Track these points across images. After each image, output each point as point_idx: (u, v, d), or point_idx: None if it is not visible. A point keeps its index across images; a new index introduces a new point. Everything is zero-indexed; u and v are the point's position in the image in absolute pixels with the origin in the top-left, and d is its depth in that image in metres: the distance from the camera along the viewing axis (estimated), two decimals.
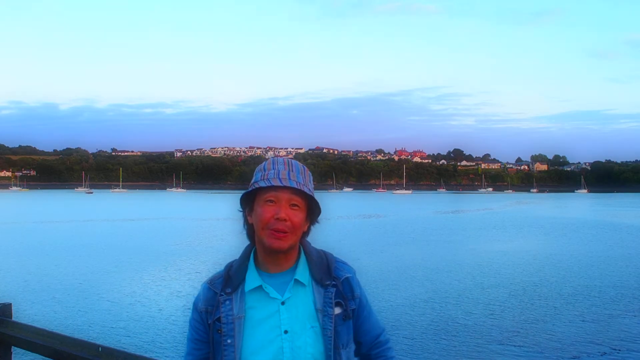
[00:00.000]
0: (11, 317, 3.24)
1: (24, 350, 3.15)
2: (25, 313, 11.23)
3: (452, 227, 37.02)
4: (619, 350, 9.73)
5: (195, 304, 1.67)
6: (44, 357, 2.96)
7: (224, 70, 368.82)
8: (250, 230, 1.68)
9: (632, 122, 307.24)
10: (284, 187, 1.58)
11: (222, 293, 1.62)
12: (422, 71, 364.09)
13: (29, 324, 3.23)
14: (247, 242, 1.72)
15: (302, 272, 1.64)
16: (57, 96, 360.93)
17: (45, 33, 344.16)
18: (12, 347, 3.23)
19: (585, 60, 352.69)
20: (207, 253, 22.34)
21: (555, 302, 13.47)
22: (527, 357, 9.33)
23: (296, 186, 1.58)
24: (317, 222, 1.70)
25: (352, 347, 1.67)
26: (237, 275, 1.64)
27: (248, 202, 1.67)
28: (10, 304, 3.29)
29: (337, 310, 1.61)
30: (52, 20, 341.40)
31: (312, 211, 1.66)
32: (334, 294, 1.61)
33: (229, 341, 1.57)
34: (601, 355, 9.49)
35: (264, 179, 1.60)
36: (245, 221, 1.69)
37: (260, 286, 1.61)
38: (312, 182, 1.68)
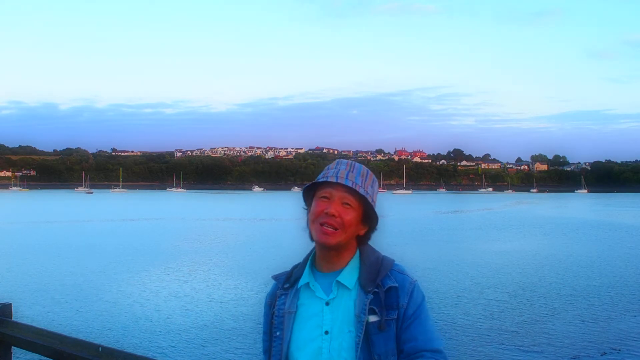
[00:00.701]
0: (11, 317, 3.24)
1: (24, 350, 3.15)
2: (25, 313, 11.23)
3: (452, 227, 37.04)
4: (619, 350, 9.74)
5: (265, 298, 1.78)
6: (44, 357, 2.96)
7: (224, 70, 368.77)
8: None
9: (631, 122, 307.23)
10: (338, 184, 1.62)
11: (281, 288, 1.70)
12: (422, 71, 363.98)
13: (29, 324, 3.23)
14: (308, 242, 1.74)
15: (349, 275, 1.63)
16: (56, 96, 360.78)
17: (44, 33, 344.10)
18: (12, 347, 3.23)
19: (584, 60, 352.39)
20: (207, 253, 22.35)
21: (555, 302, 13.47)
22: (527, 357, 9.34)
23: (350, 185, 1.62)
24: (376, 229, 1.71)
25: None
26: (297, 273, 1.71)
27: (309, 200, 1.71)
28: (10, 304, 3.29)
29: (373, 319, 1.57)
30: (52, 20, 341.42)
31: (369, 216, 1.67)
32: (369, 301, 1.58)
33: (277, 333, 1.65)
34: (601, 355, 9.49)
35: (324, 177, 1.66)
36: (308, 219, 1.71)
37: (308, 283, 1.66)
38: (374, 187, 1.70)
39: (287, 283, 1.70)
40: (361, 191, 1.62)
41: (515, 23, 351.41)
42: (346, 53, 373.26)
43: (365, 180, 1.66)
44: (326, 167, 1.71)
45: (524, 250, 23.95)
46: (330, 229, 1.60)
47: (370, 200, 1.65)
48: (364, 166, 1.70)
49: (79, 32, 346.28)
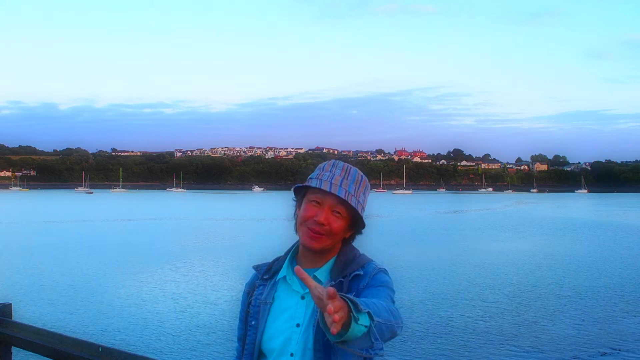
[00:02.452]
0: (11, 317, 3.24)
1: (24, 350, 3.15)
2: (25, 313, 11.23)
3: (452, 227, 37.03)
4: (619, 350, 9.74)
5: (244, 286, 1.81)
6: (44, 357, 2.96)
7: (223, 70, 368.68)
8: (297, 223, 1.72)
9: (631, 122, 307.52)
10: (331, 193, 1.60)
11: (260, 279, 1.74)
12: (422, 71, 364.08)
13: (29, 324, 3.23)
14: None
15: (325, 270, 1.67)
16: (56, 96, 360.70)
17: (44, 33, 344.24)
18: (12, 347, 3.23)
19: (584, 60, 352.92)
20: (208, 253, 22.35)
21: (555, 302, 13.47)
22: (527, 358, 9.33)
23: (343, 196, 1.60)
24: (361, 233, 1.73)
25: None
26: (277, 265, 1.73)
27: (300, 195, 1.71)
28: (10, 304, 3.29)
29: None
30: (51, 20, 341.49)
31: (356, 222, 1.68)
32: (329, 286, 1.62)
33: (252, 323, 1.69)
34: (601, 355, 9.49)
35: (318, 179, 1.63)
36: (296, 212, 1.73)
37: (286, 277, 1.68)
38: (367, 193, 1.70)
39: (266, 274, 1.73)
40: (353, 202, 1.62)
41: (515, 23, 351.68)
42: (346, 53, 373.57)
43: (359, 188, 1.65)
44: (319, 167, 1.69)
45: (523, 250, 23.94)
46: (317, 235, 1.62)
47: (360, 209, 1.65)
48: (358, 171, 1.68)
49: (78, 32, 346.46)
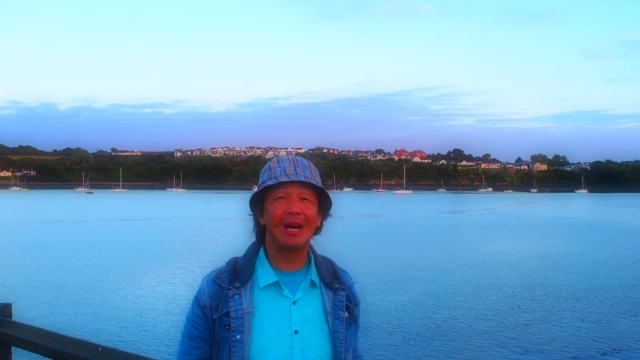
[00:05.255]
0: (11, 317, 3.24)
1: (24, 350, 3.15)
2: (25, 313, 11.22)
3: (452, 227, 37.01)
4: (619, 350, 9.73)
5: (197, 299, 1.61)
6: (44, 357, 2.96)
7: (223, 70, 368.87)
8: (261, 232, 1.65)
9: (631, 122, 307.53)
10: (293, 182, 1.57)
11: (231, 287, 1.57)
12: (421, 71, 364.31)
13: (29, 324, 3.23)
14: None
15: (314, 274, 1.63)
16: (55, 96, 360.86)
17: (43, 33, 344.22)
18: (12, 347, 3.23)
19: (583, 60, 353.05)
20: (208, 253, 22.34)
21: (555, 302, 13.47)
22: (528, 358, 9.33)
23: (304, 179, 1.58)
24: (330, 215, 1.70)
25: (352, 352, 1.68)
26: (246, 271, 1.60)
27: (258, 204, 1.65)
28: (10, 304, 3.29)
29: (346, 314, 1.62)
30: (51, 20, 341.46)
31: (323, 205, 1.66)
32: (344, 298, 1.62)
33: (238, 337, 1.52)
34: (601, 355, 9.49)
35: (270, 178, 1.59)
36: (256, 224, 1.66)
37: (276, 282, 1.58)
38: (319, 176, 1.68)
39: (236, 282, 1.58)
40: (315, 182, 1.60)
41: (514, 23, 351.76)
42: (345, 53, 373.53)
43: (312, 172, 1.63)
44: (266, 169, 1.64)
45: (523, 250, 23.94)
46: (296, 230, 1.56)
47: (324, 189, 1.63)
48: (304, 158, 1.66)
49: (77, 32, 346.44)
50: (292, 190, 1.58)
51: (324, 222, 1.69)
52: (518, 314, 12.29)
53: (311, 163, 1.67)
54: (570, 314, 12.32)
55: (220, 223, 39.66)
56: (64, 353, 2.78)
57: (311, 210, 1.59)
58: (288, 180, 1.56)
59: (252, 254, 1.64)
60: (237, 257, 1.66)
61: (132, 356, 2.67)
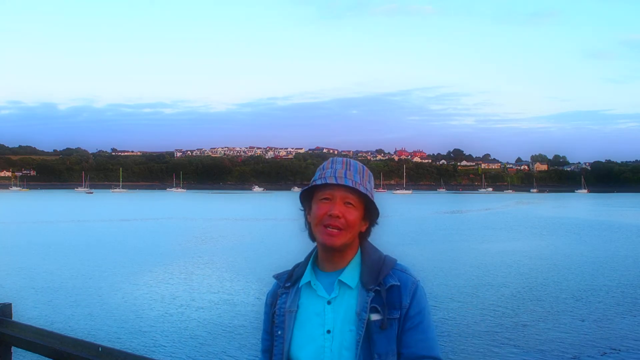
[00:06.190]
0: (11, 317, 3.24)
1: (24, 350, 3.15)
2: (25, 313, 11.22)
3: (451, 228, 37.02)
4: (619, 350, 9.73)
5: (266, 297, 1.78)
6: (44, 357, 2.96)
7: (222, 71, 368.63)
8: (311, 230, 1.69)
9: (630, 122, 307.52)
10: (339, 185, 1.60)
11: (282, 287, 1.70)
12: (421, 71, 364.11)
13: (29, 324, 3.23)
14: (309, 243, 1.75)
15: (351, 274, 1.63)
16: (55, 96, 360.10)
17: (42, 33, 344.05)
18: (12, 347, 3.23)
19: (583, 60, 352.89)
20: (207, 253, 22.34)
21: (555, 302, 13.46)
22: (527, 358, 9.33)
23: (351, 184, 1.60)
24: (377, 223, 1.71)
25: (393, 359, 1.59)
26: (298, 272, 1.70)
27: (307, 201, 1.70)
28: (10, 304, 3.29)
29: (375, 317, 1.55)
30: (50, 20, 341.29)
31: (370, 211, 1.67)
32: (371, 299, 1.57)
33: (279, 332, 1.64)
34: (601, 355, 9.49)
35: (321, 178, 1.63)
36: (306, 220, 1.71)
37: (309, 282, 1.65)
38: (372, 182, 1.69)
39: (288, 282, 1.69)
40: (362, 189, 1.61)
41: (514, 23, 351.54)
42: (345, 53, 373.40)
43: (363, 177, 1.65)
44: (319, 168, 1.69)
45: (523, 250, 23.94)
46: (335, 230, 1.59)
47: (370, 196, 1.64)
48: (359, 162, 1.69)
49: (77, 32, 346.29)
50: (337, 193, 1.61)
51: (372, 228, 1.71)
52: (517, 314, 12.29)
53: (365, 168, 1.69)
54: (570, 314, 12.31)
55: (220, 223, 39.65)
56: (64, 353, 2.78)
57: (353, 215, 1.61)
58: (335, 183, 1.59)
59: (309, 255, 1.72)
60: (301, 262, 1.75)
61: (131, 356, 2.67)
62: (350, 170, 1.64)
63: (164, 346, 9.82)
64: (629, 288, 15.26)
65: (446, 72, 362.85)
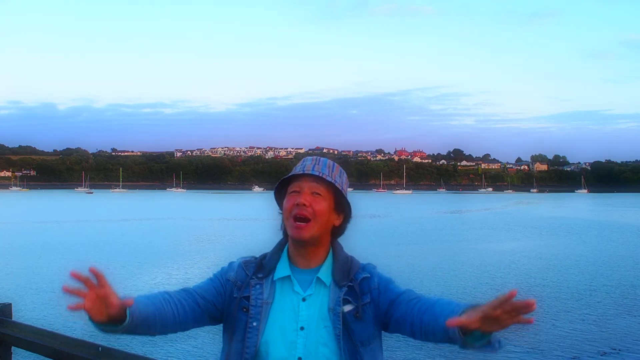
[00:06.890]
0: (11, 317, 3.24)
1: (24, 350, 3.15)
2: (25, 313, 11.22)
3: (452, 228, 37.00)
4: (619, 350, 9.73)
5: (223, 271, 1.71)
6: (44, 357, 2.96)
7: (222, 70, 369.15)
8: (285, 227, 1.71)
9: (630, 122, 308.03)
10: (305, 175, 1.63)
11: (254, 277, 1.65)
12: (421, 71, 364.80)
13: (29, 324, 3.23)
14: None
15: (326, 272, 1.65)
16: (55, 96, 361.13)
17: (42, 33, 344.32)
18: (12, 347, 3.23)
19: (583, 60, 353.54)
20: (207, 253, 22.34)
21: (555, 302, 13.46)
22: (527, 358, 9.33)
23: (317, 174, 1.62)
24: (351, 218, 1.72)
25: (377, 343, 1.64)
26: (269, 264, 1.68)
27: (281, 200, 1.73)
28: (10, 304, 3.29)
29: (347, 308, 1.59)
30: (50, 20, 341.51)
31: (341, 205, 1.68)
32: (344, 293, 1.60)
33: (254, 324, 1.59)
34: (601, 355, 9.49)
35: (290, 174, 1.68)
36: (283, 221, 1.72)
37: (288, 277, 1.64)
38: (343, 178, 1.70)
39: (260, 273, 1.66)
40: (328, 179, 1.63)
41: (514, 23, 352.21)
42: (345, 53, 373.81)
43: (333, 171, 1.67)
44: (293, 168, 1.72)
45: (523, 250, 23.93)
46: (302, 223, 1.60)
47: (339, 187, 1.65)
48: (329, 159, 1.70)
49: (77, 32, 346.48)
50: (305, 184, 1.63)
51: (346, 224, 1.71)
52: None
53: (336, 164, 1.71)
54: (570, 314, 12.31)
55: (220, 223, 39.65)
56: (64, 353, 2.77)
57: (321, 205, 1.62)
58: (302, 173, 1.63)
59: (278, 248, 1.71)
60: (268, 252, 1.74)
61: (131, 356, 2.67)
62: (318, 164, 1.66)
63: (164, 346, 9.82)
64: (629, 288, 15.26)
65: (446, 72, 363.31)
